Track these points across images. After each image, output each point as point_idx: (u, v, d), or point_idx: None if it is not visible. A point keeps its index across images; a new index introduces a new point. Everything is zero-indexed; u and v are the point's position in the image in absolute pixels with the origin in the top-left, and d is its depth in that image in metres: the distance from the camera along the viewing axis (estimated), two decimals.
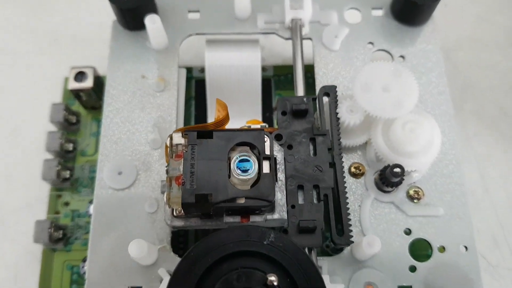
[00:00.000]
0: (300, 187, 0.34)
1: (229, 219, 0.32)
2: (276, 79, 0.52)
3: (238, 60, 0.46)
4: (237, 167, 0.32)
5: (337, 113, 0.38)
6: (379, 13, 0.46)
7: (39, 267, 0.44)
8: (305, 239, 0.33)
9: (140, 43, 0.44)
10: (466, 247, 0.38)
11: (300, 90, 0.41)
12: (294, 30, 0.44)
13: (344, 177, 0.36)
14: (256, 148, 0.33)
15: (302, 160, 0.35)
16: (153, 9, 0.44)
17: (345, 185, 0.36)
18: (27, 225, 0.45)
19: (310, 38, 0.45)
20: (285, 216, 0.33)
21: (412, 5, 0.43)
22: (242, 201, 0.31)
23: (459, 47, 0.57)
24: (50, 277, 0.43)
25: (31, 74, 0.55)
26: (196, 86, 0.51)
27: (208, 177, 0.31)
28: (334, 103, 0.38)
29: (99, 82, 0.47)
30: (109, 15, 0.45)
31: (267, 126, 0.37)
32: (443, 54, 0.45)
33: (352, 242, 0.35)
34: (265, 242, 0.29)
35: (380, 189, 0.39)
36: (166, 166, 0.33)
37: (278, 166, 0.34)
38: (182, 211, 0.32)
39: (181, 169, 0.32)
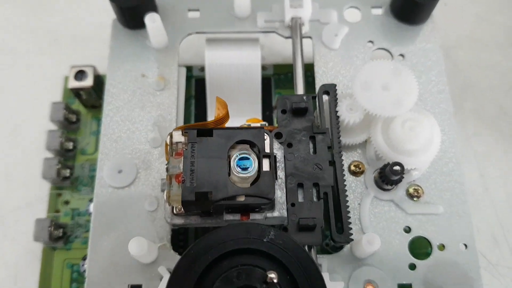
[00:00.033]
0: (300, 185, 0.35)
1: (229, 217, 0.33)
2: (276, 78, 0.52)
3: (238, 59, 0.46)
4: (237, 165, 0.32)
5: (337, 112, 0.38)
6: (378, 11, 0.46)
7: (39, 265, 0.44)
8: (305, 237, 0.33)
9: (140, 42, 0.44)
10: (465, 245, 0.38)
11: (300, 89, 0.41)
12: (294, 29, 0.44)
13: (344, 175, 0.36)
14: (256, 146, 0.33)
15: (302, 158, 0.35)
16: (153, 8, 0.44)
17: (345, 183, 0.36)
18: (27, 223, 0.45)
19: (310, 37, 0.45)
20: (285, 214, 0.33)
21: (411, 4, 0.44)
22: (242, 199, 0.31)
23: (459, 46, 0.57)
24: (50, 276, 0.43)
25: (31, 73, 0.55)
26: (196, 85, 0.51)
27: (208, 175, 0.32)
28: (334, 101, 0.38)
29: (99, 81, 0.47)
30: (109, 14, 0.45)
31: (267, 124, 0.37)
32: (443, 53, 0.45)
33: (352, 240, 0.35)
34: (265, 240, 0.29)
35: (379, 187, 0.39)
36: (166, 164, 0.33)
37: (278, 164, 0.34)
38: (182, 209, 0.32)
39: (181, 167, 0.32)
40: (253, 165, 0.32)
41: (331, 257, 0.37)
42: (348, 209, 0.35)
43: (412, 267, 0.37)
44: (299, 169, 0.35)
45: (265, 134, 0.33)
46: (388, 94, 0.38)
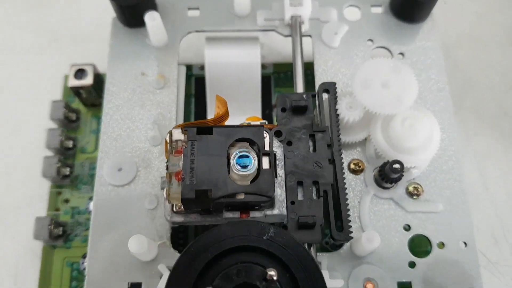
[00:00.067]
0: (300, 183, 0.35)
1: (228, 215, 0.33)
2: (275, 77, 0.52)
3: (237, 58, 0.46)
4: (236, 163, 0.32)
5: (337, 110, 0.38)
6: (378, 10, 0.46)
7: (39, 263, 0.44)
8: (305, 235, 0.33)
9: (140, 40, 0.44)
10: (465, 243, 0.38)
11: (300, 87, 0.41)
12: (294, 27, 0.44)
13: (344, 173, 0.36)
14: (255, 144, 0.33)
15: (302, 157, 0.35)
16: (153, 6, 0.44)
17: (345, 181, 0.36)
18: (27, 222, 0.45)
19: (309, 35, 0.45)
20: (284, 211, 0.33)
21: (411, 2, 0.44)
22: (241, 196, 0.31)
23: (459, 45, 0.58)
24: (50, 274, 0.43)
25: (31, 72, 0.55)
26: (196, 84, 0.51)
27: (207, 172, 0.32)
28: (333, 99, 0.38)
29: (99, 79, 0.47)
30: (108, 12, 0.45)
31: (266, 123, 0.37)
32: (442, 51, 0.45)
33: (352, 238, 0.35)
34: (264, 237, 0.29)
35: (379, 185, 0.39)
36: (166, 162, 0.33)
37: (277, 162, 0.34)
38: (182, 207, 0.32)
39: (181, 165, 0.32)
40: (252, 163, 0.32)
41: (331, 255, 0.37)
42: (347, 207, 0.35)
43: (412, 265, 0.37)
44: (298, 167, 0.35)
45: (264, 132, 0.33)
46: (387, 92, 0.38)
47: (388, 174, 0.37)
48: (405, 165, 0.37)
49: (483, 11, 0.60)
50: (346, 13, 0.46)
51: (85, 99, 0.48)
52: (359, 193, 0.39)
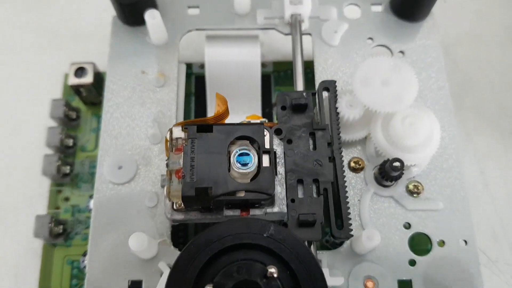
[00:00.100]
0: (300, 181, 0.34)
1: (229, 213, 0.33)
2: (275, 75, 0.52)
3: (237, 56, 0.46)
4: (237, 160, 0.32)
5: (337, 108, 0.38)
6: (378, 8, 0.46)
7: (39, 262, 0.44)
8: (305, 232, 0.33)
9: (140, 38, 0.44)
10: (465, 241, 0.38)
11: (300, 85, 0.41)
12: (294, 26, 0.44)
13: (344, 171, 0.36)
14: (256, 142, 0.33)
15: (302, 155, 0.35)
16: (153, 5, 0.44)
17: (345, 179, 0.36)
18: (27, 220, 0.45)
19: (309, 34, 0.45)
20: (284, 209, 0.33)
21: (411, 1, 0.44)
22: (242, 194, 0.31)
23: (459, 43, 0.58)
24: (51, 272, 0.43)
25: (31, 70, 0.55)
26: (196, 82, 0.51)
27: (208, 170, 0.32)
28: (333, 97, 0.38)
29: (99, 78, 0.48)
30: (109, 10, 0.45)
31: (266, 121, 0.37)
32: (442, 50, 0.45)
33: (352, 235, 0.35)
34: (265, 235, 0.29)
35: (379, 183, 0.39)
36: (166, 160, 0.33)
37: (277, 160, 0.34)
38: (182, 205, 0.32)
39: (181, 163, 0.32)
40: (253, 161, 0.32)
41: (331, 253, 0.37)
42: (348, 205, 0.35)
43: (412, 263, 0.37)
44: (299, 165, 0.35)
45: (265, 130, 0.33)
46: (388, 90, 0.38)
47: (388, 172, 0.37)
48: (405, 163, 0.37)
49: (483, 10, 0.60)
50: (346, 11, 0.46)
51: (85, 97, 0.48)
52: (359, 191, 0.39)
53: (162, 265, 0.35)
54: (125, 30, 0.45)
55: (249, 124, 0.34)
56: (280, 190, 0.33)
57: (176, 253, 0.36)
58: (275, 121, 0.44)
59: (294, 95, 0.37)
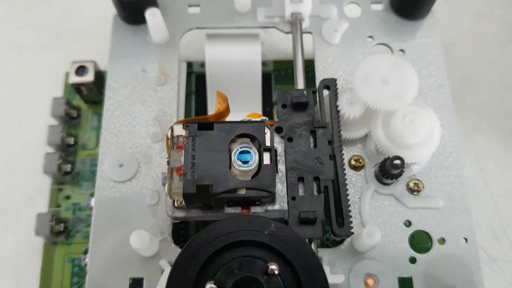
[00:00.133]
0: (301, 179, 0.34)
1: (230, 210, 0.33)
2: (276, 74, 0.52)
3: (238, 55, 0.47)
4: (237, 158, 0.32)
5: (337, 106, 0.38)
6: (378, 7, 0.46)
7: (40, 260, 0.44)
8: (306, 230, 0.33)
9: (140, 37, 0.45)
10: (466, 239, 0.38)
11: (300, 84, 0.42)
12: (294, 24, 0.44)
13: (344, 169, 0.36)
14: (256, 140, 0.33)
15: (303, 153, 0.35)
16: (154, 3, 0.44)
17: (345, 177, 0.36)
18: (28, 218, 0.46)
19: (310, 32, 0.45)
20: (285, 207, 0.33)
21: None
22: (243, 192, 0.31)
23: (459, 42, 0.58)
24: (52, 270, 0.43)
25: (32, 69, 0.55)
26: (196, 81, 0.51)
27: (209, 168, 0.32)
28: (334, 96, 0.38)
29: (99, 76, 0.48)
30: (109, 9, 0.45)
31: (267, 119, 0.37)
32: (442, 48, 0.45)
33: (352, 233, 0.35)
34: (266, 232, 0.29)
35: (380, 181, 0.39)
36: (167, 158, 0.33)
37: (278, 158, 0.34)
38: (183, 202, 0.32)
39: (182, 160, 0.32)
40: (253, 159, 0.32)
41: (332, 251, 0.37)
42: (348, 203, 0.35)
43: (413, 260, 0.37)
44: (299, 163, 0.35)
45: (265, 128, 0.33)
46: (388, 88, 0.38)
47: (388, 170, 0.37)
48: (405, 161, 0.37)
49: (483, 9, 0.60)
50: (347, 10, 0.46)
51: (86, 96, 0.49)
52: (360, 189, 0.39)
53: (163, 262, 0.35)
54: (125, 29, 0.45)
55: (250, 122, 0.34)
56: (281, 188, 0.33)
57: (177, 250, 0.36)
58: (275, 119, 0.45)
59: (294, 93, 0.37)
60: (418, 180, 0.39)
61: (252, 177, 0.32)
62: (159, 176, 0.39)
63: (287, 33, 0.45)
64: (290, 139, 0.36)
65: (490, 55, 0.57)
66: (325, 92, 0.39)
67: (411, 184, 0.39)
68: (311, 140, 0.36)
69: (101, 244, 0.37)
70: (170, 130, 0.33)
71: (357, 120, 0.39)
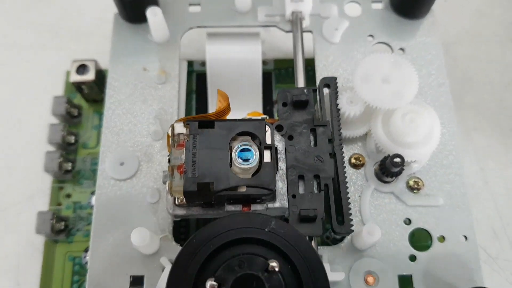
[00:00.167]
0: (301, 177, 0.35)
1: (230, 208, 0.33)
2: (276, 73, 0.52)
3: (238, 54, 0.47)
4: (238, 156, 0.32)
5: (338, 104, 0.38)
6: (378, 6, 0.46)
7: (41, 258, 0.44)
8: (306, 228, 0.33)
9: (141, 35, 0.45)
10: (465, 237, 0.38)
11: (301, 82, 0.42)
12: (295, 23, 0.44)
13: (345, 167, 0.37)
14: (257, 138, 0.33)
15: (303, 151, 0.35)
16: (154, 2, 0.44)
17: (346, 175, 0.36)
18: (29, 216, 0.46)
19: (310, 31, 0.45)
20: (286, 205, 0.33)
21: None
22: (243, 189, 0.32)
23: (459, 41, 0.58)
24: (52, 268, 0.43)
25: (33, 68, 0.55)
26: (197, 80, 0.51)
27: (209, 166, 0.32)
28: (334, 94, 0.38)
29: (100, 75, 0.48)
30: (110, 8, 0.45)
31: (268, 117, 0.38)
32: (442, 48, 0.45)
33: (353, 231, 0.35)
34: (266, 229, 0.29)
35: (380, 179, 0.39)
36: (168, 156, 0.33)
37: (279, 156, 0.34)
38: (184, 200, 0.32)
39: (183, 158, 0.32)
40: (254, 156, 0.32)
41: (332, 249, 0.37)
42: (348, 201, 0.35)
43: (413, 258, 0.37)
44: (300, 161, 0.35)
45: (266, 126, 0.34)
46: (388, 87, 0.38)
47: (388, 168, 0.37)
48: (405, 159, 0.37)
49: (483, 8, 0.60)
50: (347, 9, 0.46)
51: (87, 94, 0.49)
52: (360, 187, 0.39)
53: (164, 260, 0.36)
54: (126, 28, 0.45)
55: (250, 120, 0.34)
56: (281, 186, 0.34)
57: (178, 248, 0.36)
58: (276, 118, 0.45)
59: (295, 92, 0.37)
60: (418, 178, 0.39)
61: (252, 175, 0.32)
62: (159, 174, 0.39)
63: (287, 32, 0.45)
64: (290, 137, 0.36)
65: (490, 54, 0.57)
66: (326, 91, 0.39)
67: (411, 182, 0.39)
68: (312, 138, 0.36)
69: (101, 242, 0.37)
70: (171, 128, 0.34)
71: (357, 119, 0.40)
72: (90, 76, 0.47)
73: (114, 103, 0.42)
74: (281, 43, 0.55)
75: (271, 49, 0.54)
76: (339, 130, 0.37)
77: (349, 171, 0.40)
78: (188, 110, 0.49)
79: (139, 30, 0.45)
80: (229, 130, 0.33)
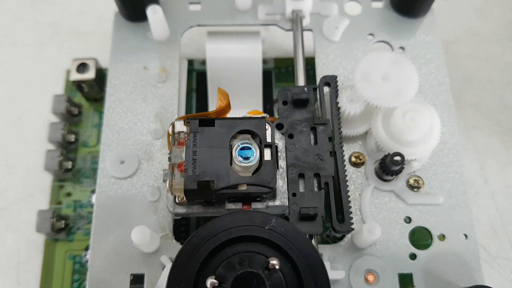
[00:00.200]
0: (301, 175, 0.35)
1: (230, 206, 0.33)
2: (276, 72, 0.52)
3: (239, 52, 0.47)
4: (238, 154, 0.32)
5: (338, 103, 0.38)
6: (379, 5, 0.46)
7: (41, 257, 0.44)
8: (306, 226, 0.34)
9: (141, 34, 0.45)
10: (465, 235, 0.38)
11: (301, 81, 0.42)
12: (295, 22, 0.44)
13: (345, 165, 0.37)
14: (257, 136, 0.33)
15: (303, 149, 0.35)
16: (155, 0, 0.44)
17: (346, 174, 0.36)
18: (29, 215, 0.46)
19: (310, 30, 0.45)
20: (286, 203, 0.33)
21: None
22: (243, 187, 0.32)
23: (459, 40, 0.58)
24: (53, 267, 0.43)
25: (33, 66, 0.55)
26: (197, 78, 0.51)
27: (210, 164, 0.32)
28: (334, 92, 0.38)
29: (101, 73, 0.48)
30: (109, 8, 0.45)
31: (268, 116, 0.38)
32: (442, 47, 0.45)
33: (353, 229, 0.35)
34: (266, 228, 0.29)
35: (380, 178, 0.39)
36: (169, 154, 0.33)
37: (279, 154, 0.34)
38: (185, 198, 0.33)
39: (183, 156, 0.32)
40: (254, 155, 0.32)
41: (332, 247, 0.37)
42: (348, 200, 0.35)
43: (413, 257, 0.37)
44: (300, 159, 0.35)
45: (266, 124, 0.34)
46: (388, 85, 0.38)
47: (389, 166, 0.37)
48: (406, 158, 0.37)
49: (483, 7, 0.60)
50: (347, 7, 0.46)
51: (87, 93, 0.49)
52: (360, 186, 0.39)
53: (164, 258, 0.36)
54: (127, 26, 0.45)
55: (250, 118, 0.34)
56: (281, 184, 0.34)
57: (178, 246, 0.36)
58: (276, 117, 0.45)
59: (295, 90, 0.37)
60: (418, 176, 0.39)
61: (253, 173, 0.32)
62: (160, 172, 0.39)
63: (287, 30, 0.45)
64: (290, 136, 0.36)
65: (489, 53, 0.57)
66: (326, 89, 0.39)
67: (411, 181, 0.39)
68: (312, 136, 0.36)
69: (102, 240, 0.37)
70: (171, 126, 0.34)
71: (358, 117, 0.40)
72: (90, 74, 0.47)
73: (114, 102, 0.42)
74: (282, 41, 0.55)
75: (271, 47, 0.54)
76: (339, 128, 0.37)
77: (349, 169, 0.40)
78: (188, 109, 0.49)
79: (139, 29, 0.45)
80: (230, 128, 0.33)
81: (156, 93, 0.42)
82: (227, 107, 0.35)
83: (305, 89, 0.37)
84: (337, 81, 0.39)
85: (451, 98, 0.43)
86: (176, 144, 0.33)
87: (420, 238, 0.38)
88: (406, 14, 0.45)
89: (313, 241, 0.35)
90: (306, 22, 0.45)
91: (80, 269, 0.43)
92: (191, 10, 0.46)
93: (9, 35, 0.57)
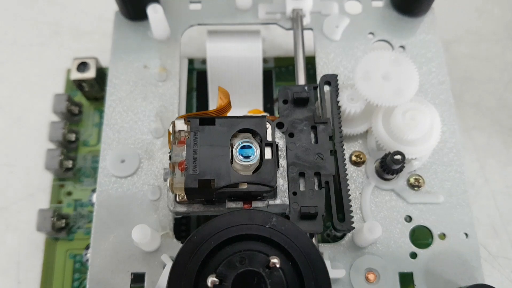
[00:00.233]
0: (302, 174, 0.35)
1: (231, 205, 0.33)
2: (277, 71, 0.52)
3: (239, 51, 0.47)
4: (239, 153, 0.32)
5: (338, 102, 0.38)
6: (379, 4, 0.46)
7: (42, 256, 0.44)
8: (306, 225, 0.34)
9: (142, 33, 0.45)
10: (466, 234, 0.38)
11: (301, 80, 0.42)
12: (295, 20, 0.44)
13: (345, 164, 0.37)
14: (258, 135, 0.33)
15: (304, 148, 0.35)
16: None
17: (346, 173, 0.36)
18: (30, 214, 0.46)
19: (311, 29, 0.45)
20: (286, 201, 0.33)
21: None
22: (244, 186, 0.32)
23: (459, 39, 0.58)
24: (53, 266, 0.43)
25: (34, 65, 0.55)
26: (197, 78, 0.51)
27: (210, 163, 0.32)
28: (335, 91, 0.38)
29: (101, 73, 0.48)
30: (111, 6, 0.45)
31: (268, 115, 0.38)
32: (442, 45, 0.45)
33: (353, 228, 0.35)
34: (267, 226, 0.29)
35: (380, 177, 0.39)
36: (169, 152, 0.33)
37: (279, 153, 0.35)
38: (185, 197, 0.33)
39: (184, 155, 0.32)
40: (255, 153, 0.32)
41: (333, 246, 0.37)
42: (349, 198, 0.35)
43: (413, 255, 0.37)
44: (300, 158, 0.35)
45: (267, 123, 0.34)
46: (389, 84, 0.38)
47: (389, 165, 0.37)
48: (406, 157, 0.37)
49: (483, 6, 0.60)
50: (347, 6, 0.46)
51: (88, 92, 0.49)
52: (361, 185, 0.39)
53: (165, 257, 0.36)
54: (127, 25, 0.45)
55: (251, 116, 0.34)
56: (282, 183, 0.34)
57: (179, 245, 0.36)
58: (276, 116, 0.45)
59: (296, 89, 0.37)
60: (419, 175, 0.39)
61: (253, 172, 0.32)
62: (160, 171, 0.39)
63: (288, 29, 0.45)
64: (291, 135, 0.36)
65: (489, 53, 0.57)
66: (326, 88, 0.39)
67: (412, 180, 0.39)
68: (312, 135, 0.36)
69: (102, 239, 0.37)
70: (172, 125, 0.34)
71: (358, 116, 0.40)
72: (90, 73, 0.47)
73: (114, 101, 0.42)
74: (282, 40, 0.55)
75: (271, 46, 0.54)
76: (340, 127, 0.37)
77: (350, 168, 0.40)
78: (188, 108, 0.49)
79: (139, 28, 0.45)
80: (230, 127, 0.33)
81: (157, 92, 0.42)
82: (228, 106, 0.35)
83: (306, 88, 0.37)
84: (337, 80, 0.39)
85: (451, 97, 0.43)
86: (176, 143, 0.33)
87: (421, 237, 0.38)
88: (407, 13, 0.45)
89: (313, 240, 0.35)
90: (306, 21, 0.45)
91: (80, 268, 0.43)
92: (191, 9, 0.46)
93: (9, 35, 0.57)
